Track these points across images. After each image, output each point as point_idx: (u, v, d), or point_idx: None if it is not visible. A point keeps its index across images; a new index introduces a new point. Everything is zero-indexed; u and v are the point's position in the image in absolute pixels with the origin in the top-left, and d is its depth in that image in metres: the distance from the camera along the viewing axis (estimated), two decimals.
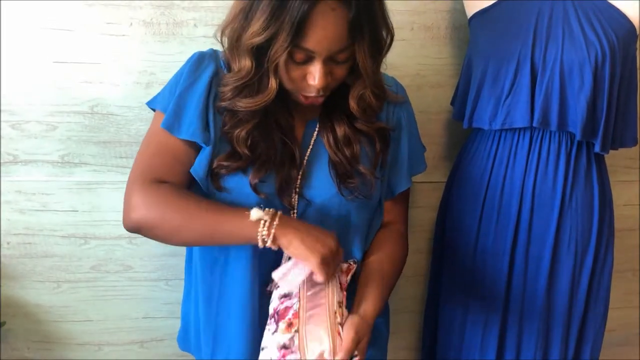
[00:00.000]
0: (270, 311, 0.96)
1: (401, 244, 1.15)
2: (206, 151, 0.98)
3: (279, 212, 0.92)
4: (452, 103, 1.42)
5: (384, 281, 1.06)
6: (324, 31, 0.85)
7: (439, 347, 1.46)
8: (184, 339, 1.24)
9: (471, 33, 1.34)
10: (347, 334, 0.91)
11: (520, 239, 1.26)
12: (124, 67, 1.35)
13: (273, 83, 0.92)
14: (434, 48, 1.46)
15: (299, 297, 0.94)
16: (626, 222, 1.65)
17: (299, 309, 0.92)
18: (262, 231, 0.89)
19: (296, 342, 0.89)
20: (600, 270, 1.29)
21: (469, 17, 1.33)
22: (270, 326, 0.94)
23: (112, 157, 1.41)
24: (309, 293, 0.95)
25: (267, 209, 0.92)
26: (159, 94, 1.05)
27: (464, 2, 1.34)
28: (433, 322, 1.49)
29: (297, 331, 0.90)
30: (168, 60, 1.36)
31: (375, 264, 1.08)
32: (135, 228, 0.97)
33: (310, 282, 0.95)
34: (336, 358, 0.88)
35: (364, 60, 0.91)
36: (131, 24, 1.33)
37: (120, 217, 1.44)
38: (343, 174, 1.02)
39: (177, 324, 1.54)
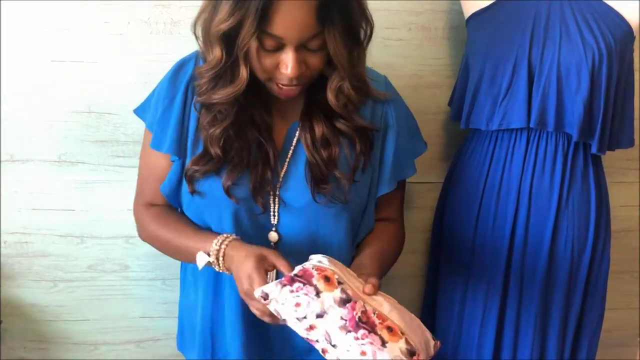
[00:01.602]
0: (337, 325, 0.83)
1: (394, 233, 1.14)
2: (175, 166, 1.01)
3: (222, 251, 0.93)
4: (449, 104, 1.42)
5: (379, 257, 1.05)
6: (290, 16, 0.83)
7: None
8: (181, 339, 1.23)
9: (469, 33, 1.34)
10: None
11: (517, 239, 1.26)
12: (121, 66, 1.35)
13: (244, 72, 0.90)
14: (431, 48, 1.45)
15: (362, 299, 0.86)
16: (624, 223, 1.65)
17: (376, 309, 0.85)
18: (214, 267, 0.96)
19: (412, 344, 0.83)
20: (597, 270, 1.30)
21: (466, 17, 1.33)
22: (362, 338, 0.82)
23: (109, 157, 1.41)
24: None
25: (213, 247, 0.94)
26: (146, 105, 1.07)
27: (462, 2, 1.34)
28: (430, 322, 1.49)
29: (403, 333, 0.84)
30: (166, 60, 1.34)
31: (370, 241, 1.09)
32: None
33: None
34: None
35: (335, 48, 0.88)
36: (129, 22, 1.33)
37: (116, 215, 1.46)
38: (318, 178, 0.99)
39: (174, 323, 1.54)
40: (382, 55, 0.99)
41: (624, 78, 1.23)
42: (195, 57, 1.00)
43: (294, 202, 1.00)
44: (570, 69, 1.18)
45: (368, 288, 0.87)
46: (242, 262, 0.90)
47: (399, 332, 0.83)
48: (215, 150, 0.95)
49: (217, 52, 0.89)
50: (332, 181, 0.99)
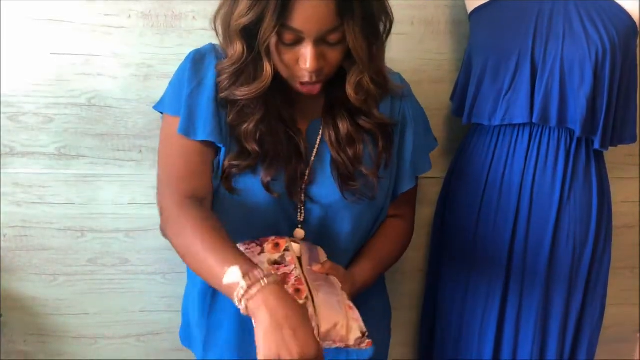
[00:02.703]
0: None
1: (404, 231, 1.15)
2: (222, 152, 0.97)
3: (262, 281, 0.78)
4: (451, 98, 1.42)
5: (378, 256, 1.07)
6: (311, 9, 0.82)
7: (436, 342, 1.46)
8: (186, 334, 1.23)
9: (471, 28, 1.33)
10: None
11: (518, 235, 1.26)
12: (122, 59, 1.34)
13: (268, 67, 0.90)
14: (434, 43, 1.45)
15: (296, 265, 0.89)
16: (624, 219, 1.64)
17: (301, 275, 0.87)
18: (234, 298, 0.79)
19: (309, 309, 0.84)
20: (598, 266, 1.30)
21: (469, 12, 1.33)
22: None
23: (110, 150, 1.40)
24: (308, 267, 0.91)
25: (252, 274, 0.79)
26: (165, 97, 1.03)
27: None
28: (430, 318, 1.49)
29: (307, 298, 0.85)
30: (166, 53, 1.35)
31: (375, 240, 1.09)
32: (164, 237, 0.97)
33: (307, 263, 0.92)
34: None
35: (354, 42, 0.87)
36: (129, 16, 1.32)
37: (116, 209, 1.46)
38: (345, 175, 0.99)
39: (174, 317, 1.55)
40: None
41: (627, 74, 1.22)
42: (211, 50, 0.99)
43: (322, 198, 1.00)
44: (574, 65, 1.17)
45: (316, 266, 0.91)
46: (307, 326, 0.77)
47: (304, 297, 0.84)
48: (252, 146, 0.94)
49: (238, 47, 0.89)
50: (359, 178, 0.99)
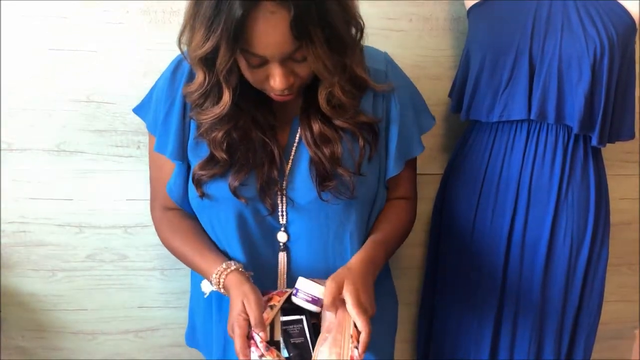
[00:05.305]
0: None
1: (406, 210, 1.13)
2: (179, 169, 1.02)
3: (221, 283, 0.97)
4: (449, 95, 1.42)
5: (386, 242, 1.05)
6: (267, 36, 0.81)
7: (434, 340, 1.46)
8: (192, 336, 1.24)
9: (470, 25, 1.33)
10: (327, 287, 0.92)
11: (516, 232, 1.26)
12: (120, 55, 1.34)
13: (226, 95, 0.90)
14: (433, 39, 1.45)
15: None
16: (622, 215, 1.65)
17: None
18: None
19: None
20: (596, 263, 1.30)
21: (467, 8, 1.32)
22: None
23: (108, 146, 1.40)
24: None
25: (214, 277, 0.97)
26: (145, 104, 1.09)
27: None
28: (428, 314, 1.50)
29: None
30: (165, 49, 1.34)
31: (378, 225, 1.08)
32: None
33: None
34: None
35: (315, 62, 0.85)
36: (128, 11, 1.32)
37: (115, 205, 1.46)
38: (322, 176, 0.97)
39: (172, 313, 1.55)
40: (382, 46, 0.98)
41: (625, 71, 1.22)
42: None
43: (300, 199, 1.00)
44: (572, 61, 1.17)
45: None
46: (232, 304, 0.94)
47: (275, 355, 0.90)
48: (220, 154, 0.95)
49: (199, 75, 0.90)
50: (336, 177, 0.98)
